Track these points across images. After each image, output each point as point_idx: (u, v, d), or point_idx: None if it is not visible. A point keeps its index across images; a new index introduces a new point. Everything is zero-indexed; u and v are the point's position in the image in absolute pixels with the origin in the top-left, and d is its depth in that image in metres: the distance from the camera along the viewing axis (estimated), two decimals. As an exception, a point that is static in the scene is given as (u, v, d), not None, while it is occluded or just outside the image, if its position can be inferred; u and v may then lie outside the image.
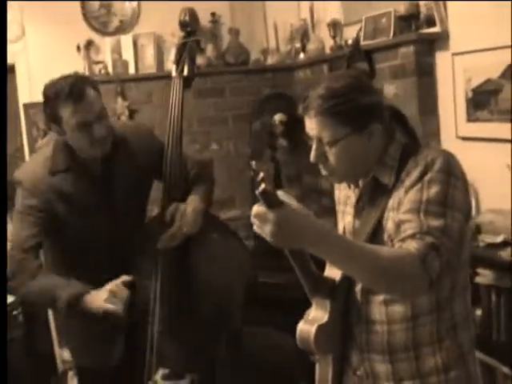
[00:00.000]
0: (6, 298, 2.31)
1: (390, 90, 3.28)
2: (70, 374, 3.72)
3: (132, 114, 3.94)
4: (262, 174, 1.30)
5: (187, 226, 2.35)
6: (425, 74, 3.10)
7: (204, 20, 4.16)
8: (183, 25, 2.72)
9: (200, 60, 4.10)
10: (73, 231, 2.39)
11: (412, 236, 1.49)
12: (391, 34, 3.18)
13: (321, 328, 1.63)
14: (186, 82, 2.58)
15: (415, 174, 1.57)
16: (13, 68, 3.98)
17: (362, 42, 3.38)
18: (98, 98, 2.28)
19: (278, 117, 3.82)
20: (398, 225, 1.55)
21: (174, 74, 2.60)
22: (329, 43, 3.86)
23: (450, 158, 1.58)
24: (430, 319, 1.63)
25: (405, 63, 3.14)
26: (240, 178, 4.23)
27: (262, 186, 1.30)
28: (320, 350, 1.70)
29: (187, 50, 2.57)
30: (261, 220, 1.36)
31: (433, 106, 3.14)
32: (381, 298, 1.65)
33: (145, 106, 4.00)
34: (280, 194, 1.40)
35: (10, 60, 3.92)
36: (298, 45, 4.20)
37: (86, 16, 3.97)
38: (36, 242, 2.33)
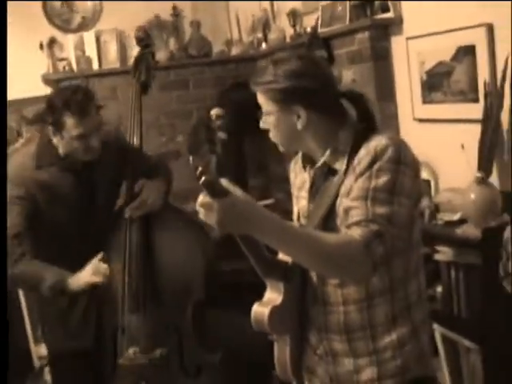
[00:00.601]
0: (5, 298, 2.38)
1: (348, 75, 3.35)
2: (47, 369, 3.76)
3: (97, 109, 3.95)
4: (200, 167, 1.36)
5: (151, 199, 2.63)
6: (380, 59, 3.17)
7: (165, 14, 4.21)
8: (139, 40, 3.02)
9: (162, 54, 4.16)
10: (54, 221, 2.59)
11: (358, 223, 1.56)
12: (347, 21, 3.25)
13: (274, 309, 1.67)
14: (143, 88, 2.88)
15: (365, 162, 1.61)
16: (-25, 68, 3.99)
17: (320, 30, 3.44)
18: (98, 112, 2.57)
19: (214, 111, 3.90)
20: (346, 211, 1.61)
21: (132, 82, 2.88)
22: (289, 32, 3.92)
23: (401, 145, 1.62)
24: (383, 299, 1.69)
25: (361, 49, 3.21)
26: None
27: (203, 177, 1.36)
28: (275, 331, 1.75)
29: (144, 60, 2.89)
30: (206, 209, 1.42)
31: (390, 90, 3.21)
32: (335, 280, 1.71)
33: (110, 101, 4.01)
34: (223, 182, 1.44)
35: (-29, 60, 3.96)
36: (259, 35, 4.25)
37: (48, 14, 3.99)
38: (19, 230, 2.51)
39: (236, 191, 1.44)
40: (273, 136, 1.74)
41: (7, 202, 2.52)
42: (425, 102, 3.01)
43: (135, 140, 2.76)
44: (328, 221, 1.68)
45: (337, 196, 1.67)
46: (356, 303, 1.70)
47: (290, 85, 1.65)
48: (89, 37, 4.01)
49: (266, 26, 4.18)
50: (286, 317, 1.73)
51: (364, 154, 1.63)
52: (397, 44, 3.14)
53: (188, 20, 4.31)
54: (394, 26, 3.12)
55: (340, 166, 1.69)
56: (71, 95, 2.47)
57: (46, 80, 4.03)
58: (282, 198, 4.22)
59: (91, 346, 2.65)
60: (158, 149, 4.16)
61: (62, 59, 3.97)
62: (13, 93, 3.97)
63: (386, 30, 3.15)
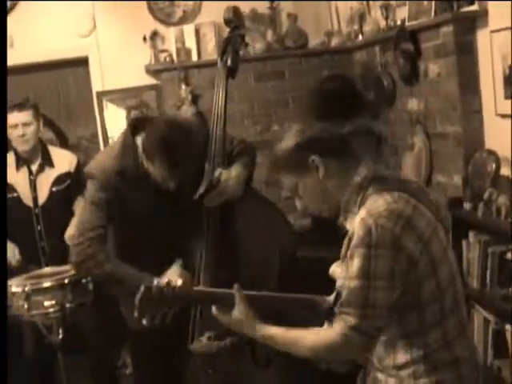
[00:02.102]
0: (5, 298, 2.61)
1: (433, 69, 3.33)
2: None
3: (195, 98, 4.16)
4: None
5: (231, 188, 2.61)
6: (464, 53, 3.13)
7: (263, 7, 4.34)
8: (227, 21, 2.97)
9: (259, 45, 4.29)
10: (136, 223, 2.62)
11: (338, 314, 1.74)
12: (432, 14, 3.23)
13: None
14: (230, 73, 2.84)
15: (345, 244, 1.74)
16: (86, 60, 4.33)
17: (407, 23, 3.44)
18: (191, 143, 2.44)
19: None
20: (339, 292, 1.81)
21: (218, 64, 2.87)
22: (383, 24, 3.92)
23: (371, 223, 1.67)
24: (404, 344, 1.82)
25: (445, 42, 3.19)
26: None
27: None
28: None
29: (232, 43, 2.84)
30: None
31: (474, 85, 3.16)
32: None
33: (207, 91, 4.20)
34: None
35: (83, 52, 4.30)
36: (356, 27, 4.28)
37: (151, 8, 4.24)
38: (103, 231, 2.60)
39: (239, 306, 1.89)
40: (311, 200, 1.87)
41: (90, 202, 2.62)
42: (507, 96, 2.95)
43: (219, 126, 2.74)
44: None
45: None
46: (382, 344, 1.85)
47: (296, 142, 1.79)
48: (189, 29, 4.22)
49: (362, 18, 4.21)
50: None
51: (349, 232, 1.74)
52: (481, 37, 3.09)
53: (285, 12, 4.40)
54: (479, 19, 3.07)
55: (350, 226, 1.77)
56: (156, 138, 2.42)
57: (148, 70, 4.30)
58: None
59: (168, 328, 2.59)
60: (252, 138, 4.31)
61: (164, 51, 4.21)
62: (119, 83, 4.30)
63: (472, 23, 3.10)
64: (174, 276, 2.50)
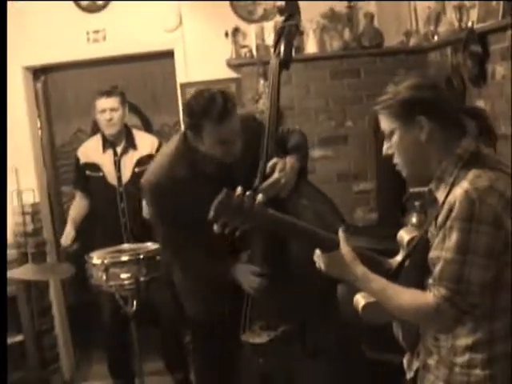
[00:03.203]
0: (5, 297, 2.85)
1: (500, 71, 3.39)
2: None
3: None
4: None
5: (285, 178, 2.62)
6: (528, 57, 3.19)
7: (342, 6, 4.49)
8: (281, 11, 2.92)
9: (336, 43, 4.44)
10: (193, 227, 2.56)
11: (433, 284, 1.74)
12: (500, 17, 3.29)
13: (368, 305, 1.88)
14: (283, 64, 2.81)
15: (444, 214, 1.72)
16: (172, 53, 4.61)
17: (476, 25, 3.51)
18: (238, 117, 2.56)
19: None
20: (431, 261, 1.79)
21: (271, 55, 2.86)
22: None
23: (477, 198, 1.66)
24: (468, 327, 1.81)
25: (510, 46, 3.24)
26: (372, 154, 4.50)
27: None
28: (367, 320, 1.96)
29: (285, 33, 2.80)
30: (319, 260, 1.96)
31: (537, 89, 3.21)
32: None
33: (284, 85, 4.37)
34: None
35: (169, 46, 4.58)
36: (432, 27, 4.36)
37: (234, 5, 4.47)
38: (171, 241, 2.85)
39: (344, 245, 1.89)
40: (397, 159, 1.85)
41: (150, 213, 2.84)
42: None
43: (272, 119, 2.73)
44: (422, 251, 1.86)
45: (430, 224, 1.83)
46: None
47: (410, 96, 1.77)
48: (269, 27, 4.39)
49: (438, 19, 4.29)
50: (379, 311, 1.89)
51: (447, 202, 1.72)
52: (545, 42, 3.14)
53: (363, 12, 4.53)
54: (545, 23, 3.13)
55: (441, 196, 1.78)
56: (210, 101, 2.47)
57: (229, 64, 4.52)
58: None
59: (223, 317, 2.80)
60: (326, 132, 4.49)
61: (244, 46, 4.41)
62: (201, 75, 4.55)
63: (539, 27, 3.16)
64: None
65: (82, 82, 4.84)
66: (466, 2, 3.88)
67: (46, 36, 4.54)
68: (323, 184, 3.21)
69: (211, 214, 1.87)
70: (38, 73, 4.87)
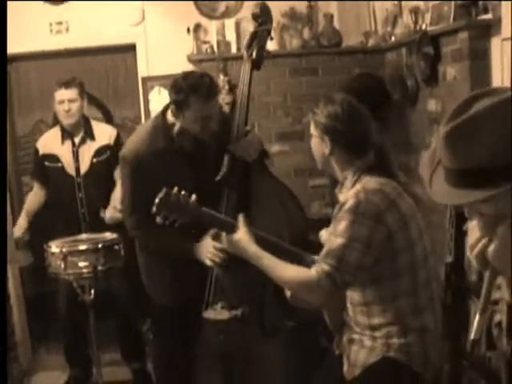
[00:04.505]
0: (5, 297, 2.90)
1: (450, 72, 3.53)
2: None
3: (232, 88, 4.44)
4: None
5: (256, 142, 3.04)
6: (478, 59, 3.31)
7: (302, 6, 4.59)
8: (255, 16, 3.14)
9: (295, 42, 4.55)
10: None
11: (318, 260, 2.13)
12: (451, 20, 3.43)
13: None
14: (255, 65, 3.08)
15: (338, 207, 2.16)
16: (134, 47, 4.68)
17: (429, 28, 3.64)
18: (218, 99, 2.95)
19: None
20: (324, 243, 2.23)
21: (244, 57, 3.09)
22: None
23: (363, 197, 2.09)
24: (379, 309, 2.16)
25: (462, 48, 3.38)
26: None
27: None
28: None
29: (258, 37, 3.06)
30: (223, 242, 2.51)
31: (485, 89, 3.35)
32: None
33: (244, 81, 4.49)
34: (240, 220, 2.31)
35: (131, 40, 4.66)
36: (389, 28, 4.49)
37: (197, 3, 4.55)
38: (127, 205, 2.97)
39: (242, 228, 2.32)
40: (314, 154, 2.33)
41: (123, 182, 2.96)
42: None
43: (242, 114, 3.02)
44: None
45: None
46: (360, 306, 2.21)
47: (324, 122, 2.23)
48: (230, 24, 4.50)
49: (395, 21, 4.42)
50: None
51: (344, 199, 2.16)
52: (495, 45, 3.28)
53: (322, 12, 4.64)
54: (494, 27, 3.26)
55: (342, 197, 2.23)
56: (198, 80, 2.77)
57: (190, 59, 4.57)
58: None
59: (186, 297, 2.96)
60: (284, 128, 4.58)
61: (205, 42, 4.48)
62: (162, 69, 4.61)
63: (486, 30, 3.29)
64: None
65: (45, 73, 4.86)
66: (422, 5, 4.02)
67: (9, 25, 4.54)
68: (281, 178, 3.32)
69: (153, 208, 2.27)
70: None
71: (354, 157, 2.22)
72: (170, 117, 2.88)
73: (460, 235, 3.19)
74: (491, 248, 1.37)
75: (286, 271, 2.20)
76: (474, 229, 1.42)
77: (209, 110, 2.80)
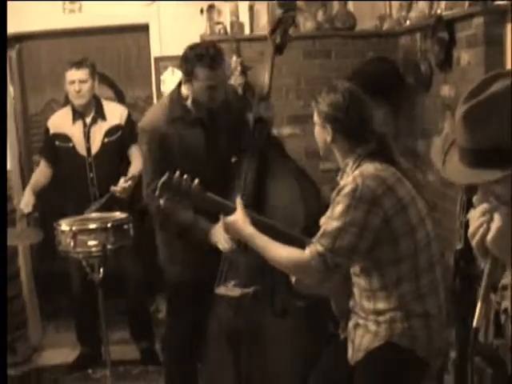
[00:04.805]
0: (5, 297, 2.93)
1: (465, 58, 3.50)
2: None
3: (244, 69, 4.42)
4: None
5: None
6: (492, 44, 3.28)
7: (316, -13, 4.55)
8: (280, 4, 3.35)
9: (309, 24, 4.52)
10: (183, 168, 2.88)
11: (313, 242, 2.18)
12: (466, 6, 3.39)
13: None
14: (278, 50, 3.26)
15: (336, 191, 2.21)
16: (147, 27, 4.66)
17: (444, 13, 3.61)
18: (226, 67, 3.09)
19: None
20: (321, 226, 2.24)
21: (268, 41, 3.25)
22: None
23: (360, 183, 2.14)
24: (383, 294, 2.20)
25: (477, 33, 3.35)
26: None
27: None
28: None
29: (283, 23, 3.23)
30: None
31: (499, 75, 3.32)
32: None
33: (256, 63, 4.45)
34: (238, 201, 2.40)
35: (144, 20, 4.63)
36: (404, 13, 4.45)
37: (210, -18, 4.52)
38: (152, 177, 2.94)
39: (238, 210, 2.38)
40: (317, 141, 2.41)
41: (143, 152, 3.06)
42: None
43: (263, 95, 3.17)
44: None
45: None
46: (365, 291, 2.25)
47: (327, 111, 2.30)
48: (243, 5, 4.46)
49: (410, 5, 4.37)
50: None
51: (343, 184, 2.21)
52: (510, 31, 3.24)
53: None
54: (509, 12, 3.22)
55: (342, 181, 2.27)
56: (204, 49, 2.93)
57: (203, 40, 4.54)
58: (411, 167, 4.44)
59: (201, 274, 3.05)
60: (295, 111, 4.56)
61: (219, 23, 4.45)
62: (175, 50, 4.58)
63: (501, 16, 3.25)
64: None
65: (57, 52, 4.87)
66: (437, -11, 3.98)
67: (22, 4, 4.55)
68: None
69: (156, 192, 2.33)
70: (12, 41, 4.87)
71: (354, 144, 2.27)
72: (184, 90, 3.03)
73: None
74: (490, 235, 1.36)
75: (279, 251, 2.25)
76: (474, 217, 1.40)
77: (215, 78, 2.92)
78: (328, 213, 2.21)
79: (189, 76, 2.94)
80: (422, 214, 2.23)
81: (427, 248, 2.22)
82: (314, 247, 2.16)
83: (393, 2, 4.69)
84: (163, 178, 2.30)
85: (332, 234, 2.13)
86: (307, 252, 2.16)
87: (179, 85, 3.11)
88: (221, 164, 3.16)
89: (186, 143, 3.04)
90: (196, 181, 2.41)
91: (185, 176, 2.38)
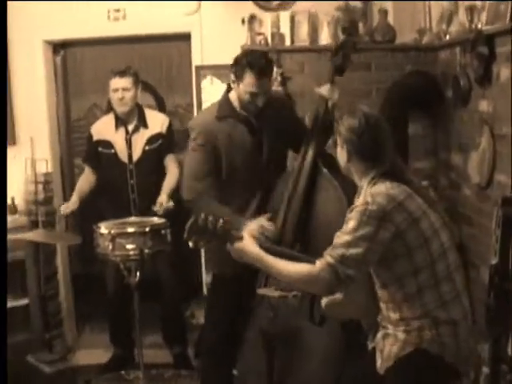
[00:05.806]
0: (5, 296, 2.99)
1: (504, 73, 3.49)
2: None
3: (285, 80, 4.46)
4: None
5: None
6: (532, 61, 3.28)
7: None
8: (344, 29, 3.73)
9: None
10: (231, 166, 3.22)
11: (325, 254, 2.28)
12: (507, 20, 3.39)
13: None
14: (338, 71, 3.55)
15: (349, 211, 2.33)
16: (189, 36, 4.73)
17: (484, 27, 3.60)
18: (272, 78, 3.26)
19: None
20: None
21: (330, 62, 3.52)
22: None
23: (369, 199, 2.27)
24: (407, 304, 2.30)
25: (517, 48, 3.34)
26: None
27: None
28: None
29: (344, 47, 3.47)
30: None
31: (540, 92, 3.31)
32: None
33: (297, 74, 4.49)
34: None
35: (186, 29, 4.71)
36: (444, 26, 4.45)
37: (253, -7, 4.58)
38: (198, 173, 3.17)
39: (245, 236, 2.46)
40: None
41: (193, 150, 3.18)
42: None
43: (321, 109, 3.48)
44: None
45: None
46: (389, 303, 2.36)
47: (345, 133, 2.43)
48: (284, 16, 4.49)
49: (450, 19, 4.38)
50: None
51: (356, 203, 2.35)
52: (552, 47, 3.23)
53: (377, 8, 4.62)
54: (551, 29, 3.22)
55: (357, 200, 2.39)
56: (257, 59, 3.12)
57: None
58: (445, 184, 4.43)
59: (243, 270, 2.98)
60: (334, 123, 4.58)
61: (260, 34, 4.49)
62: (216, 59, 4.66)
63: (546, 32, 3.25)
64: (263, 221, 3.09)
65: (100, 59, 4.98)
66: (478, 4, 3.98)
67: (68, 11, 4.66)
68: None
69: (185, 234, 2.39)
70: (58, 47, 5.00)
71: (369, 166, 2.41)
72: (232, 94, 3.26)
73: (506, 237, 3.18)
74: None
75: (288, 267, 2.35)
76: None
77: (259, 87, 3.11)
78: (342, 229, 2.32)
79: (237, 79, 3.15)
80: (435, 226, 2.34)
81: (443, 257, 2.32)
82: (325, 259, 2.26)
83: (433, 15, 4.70)
84: (190, 222, 2.36)
85: (343, 247, 2.24)
86: (318, 264, 2.27)
87: (227, 89, 3.31)
88: (266, 163, 3.28)
89: (232, 141, 3.20)
90: (221, 220, 2.44)
91: (210, 217, 2.42)
